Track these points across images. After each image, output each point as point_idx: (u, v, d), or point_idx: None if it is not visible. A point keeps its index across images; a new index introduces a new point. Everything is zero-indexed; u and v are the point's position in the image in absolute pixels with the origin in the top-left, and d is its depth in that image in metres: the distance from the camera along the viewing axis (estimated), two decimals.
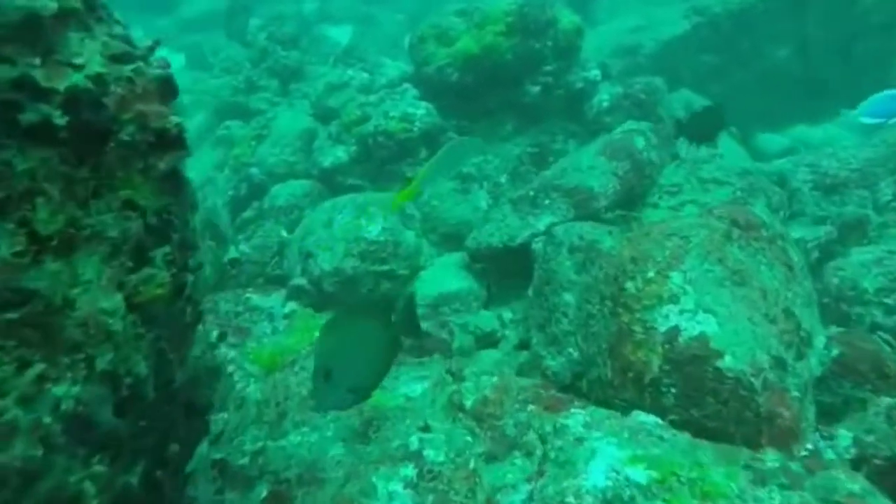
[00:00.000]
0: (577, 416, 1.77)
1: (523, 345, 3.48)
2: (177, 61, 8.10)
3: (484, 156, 4.54)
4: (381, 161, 4.50)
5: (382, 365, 1.69)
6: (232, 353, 3.13)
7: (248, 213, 5.07)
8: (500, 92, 4.56)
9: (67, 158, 1.20)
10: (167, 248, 1.34)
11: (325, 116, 5.16)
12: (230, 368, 2.82)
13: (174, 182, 1.41)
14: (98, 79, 1.26)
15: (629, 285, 2.07)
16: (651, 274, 2.05)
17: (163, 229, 1.35)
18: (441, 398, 2.01)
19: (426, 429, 1.82)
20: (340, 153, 4.66)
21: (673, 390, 1.84)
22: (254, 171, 5.19)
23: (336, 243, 3.61)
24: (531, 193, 3.61)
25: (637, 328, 1.98)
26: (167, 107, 1.38)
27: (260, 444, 1.87)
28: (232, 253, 3.91)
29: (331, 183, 4.74)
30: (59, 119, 1.18)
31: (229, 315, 3.29)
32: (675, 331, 1.91)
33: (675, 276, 2.01)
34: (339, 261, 3.54)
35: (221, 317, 3.28)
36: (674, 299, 1.97)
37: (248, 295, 3.44)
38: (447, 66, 4.44)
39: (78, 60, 1.26)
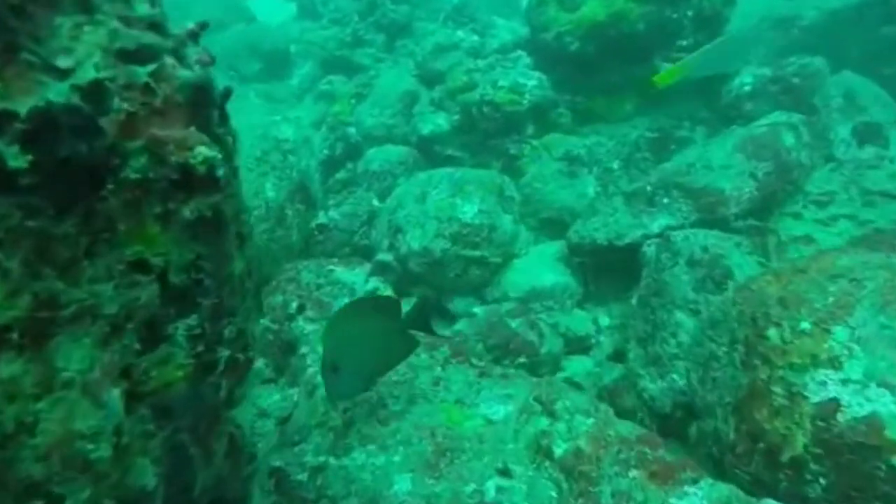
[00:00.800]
0: (691, 499, 1.45)
1: (618, 356, 3.14)
2: (288, 10, 8.06)
3: (597, 136, 4.11)
4: (485, 133, 4.18)
5: (388, 360, 1.72)
6: (309, 328, 3.03)
7: (341, 174, 4.95)
8: (624, 66, 4.06)
9: (39, 210, 0.87)
10: (193, 319, 1.04)
11: (430, 79, 4.88)
12: (303, 350, 2.71)
13: (209, 228, 1.08)
14: (93, 90, 0.89)
15: (773, 333, 1.68)
16: (806, 325, 1.64)
17: (188, 293, 1.05)
18: (526, 433, 1.75)
19: (506, 472, 1.58)
20: (441, 121, 4.38)
21: (822, 481, 1.47)
22: (351, 130, 5.04)
23: (427, 221, 3.38)
24: (648, 189, 3.18)
25: (778, 390, 1.60)
26: (199, 127, 1.03)
27: (322, 458, 1.71)
28: (320, 218, 3.79)
29: (428, 152, 4.49)
30: (16, 160, 0.83)
31: (310, 286, 3.18)
32: (833, 404, 1.51)
33: (840, 332, 1.59)
34: (429, 240, 3.31)
35: (302, 287, 3.17)
36: (835, 363, 1.56)
37: (331, 267, 3.31)
38: (567, 33, 3.99)
39: (64, 61, 0.89)
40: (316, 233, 3.79)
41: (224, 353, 1.14)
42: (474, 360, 2.31)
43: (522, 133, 4.11)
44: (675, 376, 2.56)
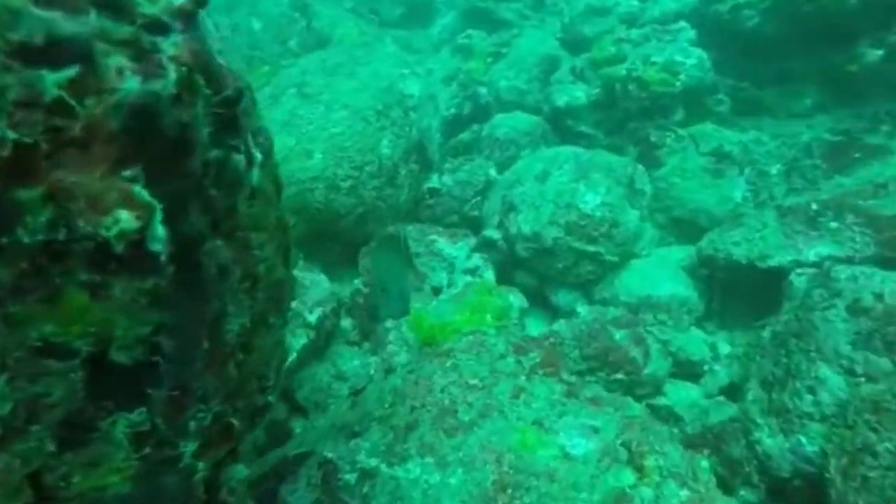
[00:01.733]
0: None
1: (733, 392, 2.73)
2: None
3: (757, 132, 3.53)
4: (625, 113, 3.75)
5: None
6: None
7: (464, 135, 4.74)
8: (814, 51, 3.41)
9: None
10: (139, 414, 0.79)
11: (575, 44, 4.46)
12: (388, 324, 2.60)
13: (177, 291, 0.80)
14: None
15: None
16: None
17: (137, 378, 0.80)
18: (605, 484, 1.50)
19: None
20: (579, 93, 4.00)
21: None
22: (482, 90, 4.79)
23: (544, 203, 3.11)
24: (813, 206, 2.65)
25: None
26: (143, 171, 0.70)
27: (374, 462, 1.59)
28: (433, 182, 3.63)
29: (559, 125, 4.15)
30: None
31: (409, 252, 3.06)
32: None
33: None
34: (542, 226, 3.04)
35: None
36: None
37: (434, 236, 3.16)
38: (748, 4, 3.40)
39: None
40: (427, 196, 3.64)
41: (189, 446, 0.89)
42: (564, 376, 2.06)
43: (669, 118, 3.63)
44: (802, 439, 2.15)
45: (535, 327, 3.00)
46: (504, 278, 3.36)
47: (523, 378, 1.99)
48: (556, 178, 3.17)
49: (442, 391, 1.82)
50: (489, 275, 3.08)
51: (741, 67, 3.67)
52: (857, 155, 3.32)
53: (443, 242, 3.14)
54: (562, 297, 3.19)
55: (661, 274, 3.11)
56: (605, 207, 2.96)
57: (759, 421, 2.35)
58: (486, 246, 3.28)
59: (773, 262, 2.67)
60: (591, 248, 2.96)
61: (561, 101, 4.04)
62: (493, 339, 2.13)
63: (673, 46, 3.63)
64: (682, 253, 3.26)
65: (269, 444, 2.69)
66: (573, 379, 2.07)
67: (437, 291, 2.98)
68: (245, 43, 4.56)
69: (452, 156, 4.79)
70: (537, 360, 2.10)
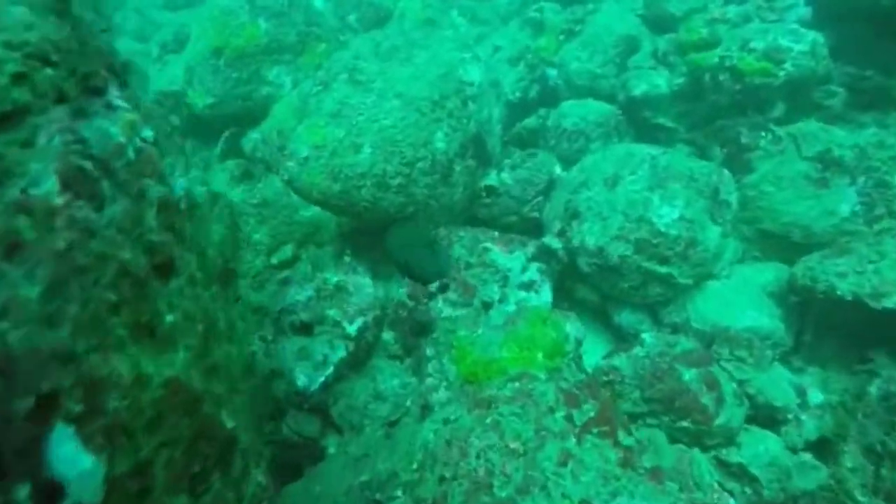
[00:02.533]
0: None
1: (823, 449, 2.36)
2: None
3: (879, 132, 3.00)
4: (713, 107, 3.29)
5: None
6: (447, 312, 2.69)
7: (530, 121, 4.38)
8: None
9: None
10: None
11: (659, 23, 3.96)
12: (435, 334, 2.38)
13: None
14: None
15: None
16: None
17: None
18: None
19: None
20: (661, 81, 3.55)
21: None
22: (551, 72, 4.39)
23: (612, 214, 2.76)
24: None
25: None
26: None
27: None
28: (491, 179, 3.34)
29: (635, 116, 3.72)
30: None
31: (460, 263, 2.81)
32: None
33: None
34: (608, 240, 2.71)
35: (452, 262, 2.81)
36: None
37: (488, 244, 2.89)
38: None
39: None
40: (483, 194, 3.36)
41: None
42: (621, 436, 1.78)
43: (767, 113, 3.15)
44: None
45: (594, 352, 2.71)
46: (563, 291, 3.07)
47: (573, 440, 1.73)
48: (628, 184, 2.80)
49: (478, 457, 1.59)
50: (546, 292, 2.80)
51: (864, 51, 3.11)
52: None
53: (497, 251, 2.87)
54: (625, 318, 2.87)
55: (742, 300, 2.72)
56: (682, 224, 2.58)
57: (861, 499, 1.99)
58: (544, 254, 2.98)
59: (889, 304, 2.24)
60: (663, 270, 2.61)
61: (638, 89, 3.60)
62: (542, 387, 1.87)
63: (779, 28, 3.11)
64: (768, 274, 2.84)
65: (299, 458, 2.58)
66: (631, 441, 1.79)
67: (487, 306, 2.73)
68: (301, 19, 4.33)
69: (516, 143, 4.49)
70: (591, 414, 1.83)
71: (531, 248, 2.98)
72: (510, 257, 2.86)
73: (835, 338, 2.57)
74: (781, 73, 2.99)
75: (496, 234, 3.05)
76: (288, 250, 3.96)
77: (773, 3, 3.30)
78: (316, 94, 3.24)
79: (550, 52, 4.48)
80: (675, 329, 2.74)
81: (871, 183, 2.90)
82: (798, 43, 3.00)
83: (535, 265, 2.89)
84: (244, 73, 4.26)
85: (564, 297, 3.09)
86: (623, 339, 2.91)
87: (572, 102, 3.95)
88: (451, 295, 2.71)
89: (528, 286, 2.79)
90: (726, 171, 2.88)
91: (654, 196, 2.67)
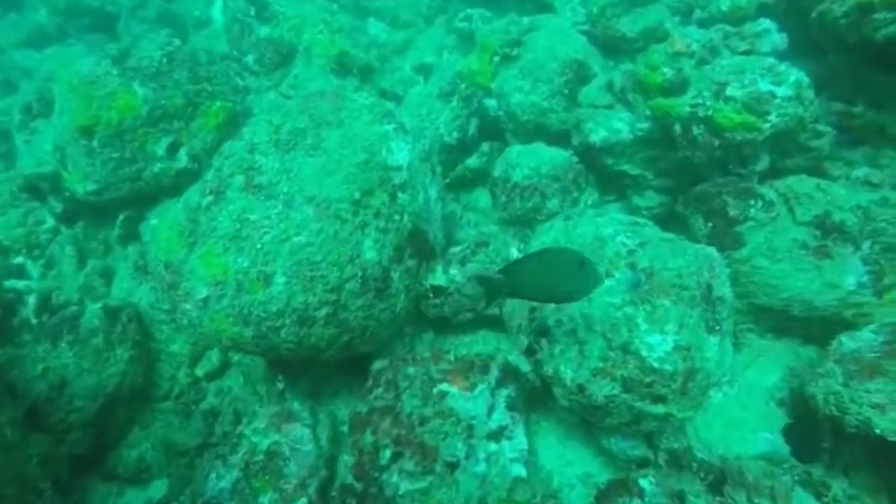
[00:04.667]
0: None
1: None
2: None
3: (874, 189, 2.57)
4: (687, 163, 2.79)
5: None
6: (406, 487, 2.19)
7: (473, 161, 3.84)
8: None
9: None
10: None
11: (609, 44, 3.40)
12: None
13: None
14: None
15: None
16: None
17: None
18: None
19: None
20: (621, 125, 3.02)
21: None
22: (490, 102, 3.80)
23: (590, 337, 2.27)
24: None
25: None
26: None
27: None
28: (438, 278, 2.78)
29: (595, 163, 3.19)
30: None
31: (412, 418, 2.29)
32: None
33: None
34: (589, 376, 2.22)
35: (401, 418, 2.29)
36: None
37: (443, 386, 2.36)
38: (885, 5, 2.33)
39: None
40: (431, 295, 2.81)
41: None
42: None
43: (749, 166, 2.67)
44: None
45: (579, 463, 2.30)
46: (533, 420, 2.61)
47: None
48: (605, 293, 2.30)
49: None
50: (520, 437, 2.33)
51: (853, 83, 2.64)
52: None
53: (455, 393, 2.35)
54: (616, 444, 2.43)
55: (750, 417, 2.31)
56: (677, 355, 2.11)
57: None
58: (512, 376, 2.49)
59: None
60: (660, 410, 2.15)
61: (596, 135, 3.06)
62: None
63: (755, 65, 2.58)
64: (774, 375, 2.44)
65: None
66: None
67: (452, 467, 2.24)
68: (186, 76, 3.56)
69: (460, 186, 3.94)
70: None
71: (495, 372, 2.48)
72: (472, 397, 2.35)
73: (864, 470, 2.18)
74: (766, 126, 2.49)
75: (451, 358, 2.53)
76: (213, 358, 3.37)
77: (742, 29, 2.77)
78: (207, 209, 2.58)
79: (486, 78, 3.87)
80: (675, 457, 2.32)
81: (877, 248, 2.48)
82: (780, 86, 2.49)
83: (503, 401, 2.40)
84: (126, 152, 3.52)
85: (540, 420, 2.63)
86: (613, 459, 2.49)
87: (521, 149, 3.39)
88: (408, 464, 2.20)
89: (499, 434, 2.30)
90: (715, 255, 2.40)
91: (639, 314, 2.18)
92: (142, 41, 3.66)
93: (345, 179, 2.59)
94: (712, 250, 2.43)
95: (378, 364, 2.58)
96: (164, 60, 3.55)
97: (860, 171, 2.70)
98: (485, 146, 3.89)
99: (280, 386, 2.93)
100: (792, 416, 2.34)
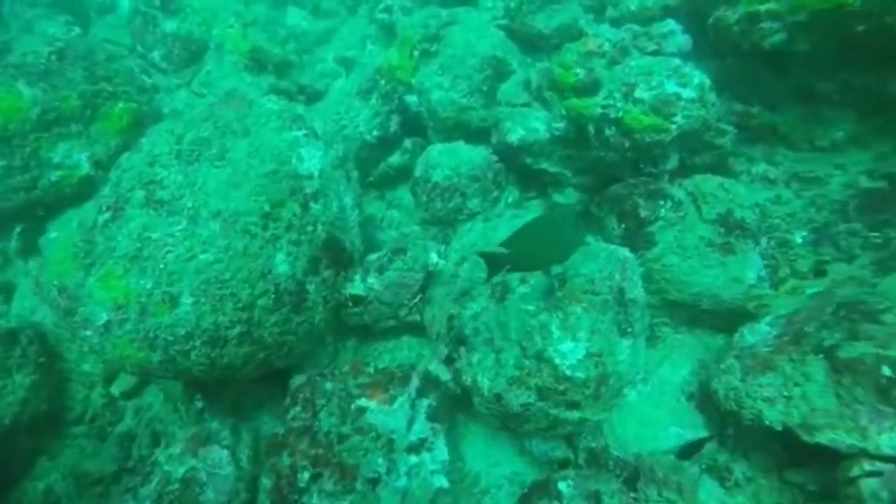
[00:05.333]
0: None
1: None
2: None
3: (771, 187, 2.69)
4: (601, 163, 2.83)
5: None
6: None
7: (395, 158, 3.77)
8: (858, 73, 2.49)
9: None
10: None
11: (527, 41, 3.38)
12: None
13: None
14: None
15: None
16: None
17: None
18: None
19: None
20: (538, 125, 3.02)
21: None
22: (411, 99, 3.73)
23: (506, 345, 2.28)
24: (884, 371, 1.89)
25: None
26: None
27: None
28: (356, 287, 2.73)
29: (514, 162, 3.19)
30: None
31: (330, 437, 2.25)
32: None
33: None
34: (505, 386, 2.24)
35: (318, 438, 2.25)
36: None
37: (361, 402, 2.33)
38: (769, 15, 2.40)
39: None
40: (350, 304, 2.76)
41: None
42: None
43: (660, 166, 2.72)
44: None
45: (506, 464, 2.34)
46: (460, 421, 2.62)
47: None
48: (520, 300, 2.32)
49: None
50: (440, 449, 2.32)
51: (750, 85, 2.73)
52: None
53: (374, 408, 2.33)
54: (537, 446, 2.48)
55: (662, 414, 2.40)
56: (589, 361, 2.15)
57: None
58: (432, 386, 2.49)
59: (823, 439, 1.95)
60: (575, 416, 2.19)
61: (514, 135, 3.06)
62: None
63: (662, 66, 2.62)
64: (684, 369, 2.53)
65: None
66: None
67: (373, 483, 2.22)
68: (81, 75, 3.31)
69: (383, 184, 3.88)
70: None
71: (415, 382, 2.46)
72: (391, 410, 2.33)
73: (766, 454, 2.30)
74: (673, 128, 2.54)
75: (371, 371, 2.49)
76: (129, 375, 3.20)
77: (650, 29, 2.80)
78: (104, 228, 2.42)
79: (407, 73, 3.79)
80: (593, 456, 2.39)
81: (773, 243, 2.60)
82: (685, 88, 2.54)
83: (423, 412, 2.39)
84: (16, 159, 3.27)
85: (462, 426, 2.65)
86: (535, 460, 2.54)
87: (441, 148, 3.35)
88: (327, 484, 2.17)
89: (419, 446, 2.29)
90: (628, 257, 2.45)
91: (553, 322, 2.20)
92: (26, 35, 3.38)
93: (253, 191, 2.48)
94: (625, 252, 2.48)
95: (296, 381, 2.51)
96: (54, 58, 3.29)
97: (759, 168, 2.81)
98: (408, 143, 3.83)
99: (199, 405, 2.82)
100: (702, 410, 2.43)
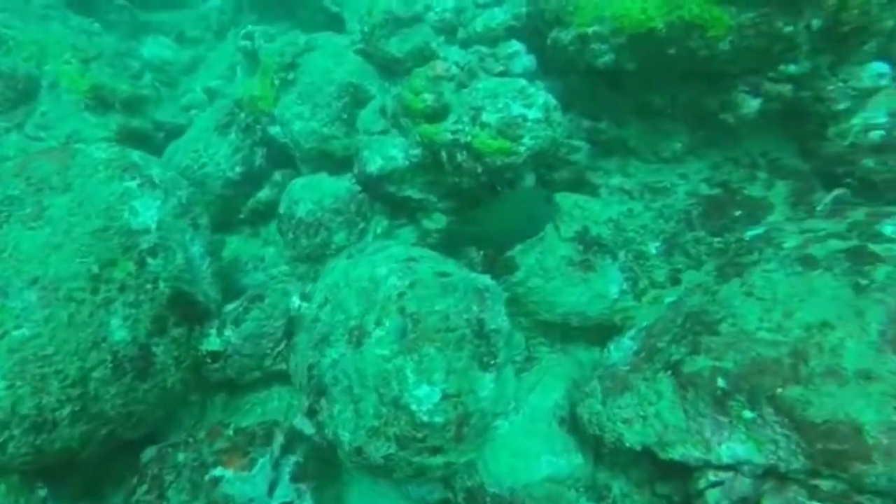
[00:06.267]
0: None
1: None
2: None
3: (626, 201, 2.74)
4: (457, 189, 2.79)
5: None
6: None
7: (264, 193, 3.60)
8: (683, 89, 2.58)
9: None
10: None
11: (383, 65, 3.30)
12: None
13: None
14: None
15: None
16: None
17: None
18: None
19: None
20: (395, 153, 2.94)
21: None
22: (274, 130, 3.57)
23: (364, 393, 2.17)
24: (719, 383, 1.93)
25: None
26: None
27: None
28: (212, 343, 2.54)
29: (377, 192, 3.10)
30: None
31: None
32: None
33: None
34: (365, 438, 2.12)
35: None
36: None
37: (216, 472, 2.15)
38: (597, 37, 2.44)
39: None
40: (209, 361, 2.56)
41: None
42: None
43: (517, 187, 2.71)
44: None
45: None
46: (329, 472, 2.49)
47: None
48: (375, 345, 2.21)
49: None
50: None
51: (596, 102, 2.77)
52: (737, 213, 2.66)
53: (231, 476, 2.16)
54: (414, 492, 2.39)
55: (534, 442, 2.36)
56: (447, 404, 2.07)
57: None
58: (297, 440, 2.34)
59: (676, 455, 1.97)
60: (439, 461, 2.11)
61: (373, 164, 2.96)
62: None
63: (508, 88, 2.61)
64: (556, 392, 2.51)
65: None
66: None
67: None
68: None
69: (256, 220, 3.70)
70: None
71: (280, 440, 2.31)
72: (250, 476, 2.17)
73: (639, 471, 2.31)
74: (522, 150, 2.53)
75: (230, 433, 2.32)
76: None
77: (496, 50, 2.79)
78: None
79: (269, 103, 3.63)
80: (471, 495, 2.32)
81: (631, 256, 2.64)
82: (531, 109, 2.54)
83: (287, 472, 2.24)
84: None
85: (331, 477, 2.52)
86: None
87: (304, 182, 3.22)
88: None
89: None
90: (488, 285, 2.41)
91: (408, 365, 2.12)
92: None
93: (77, 252, 2.25)
94: (485, 280, 2.44)
95: (146, 454, 2.30)
96: None
97: (616, 180, 2.87)
98: (277, 175, 3.67)
99: (41, 493, 2.53)
100: (573, 434, 2.42)
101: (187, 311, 2.50)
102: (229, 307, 2.64)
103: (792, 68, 2.28)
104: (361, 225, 3.07)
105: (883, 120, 2.43)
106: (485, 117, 2.55)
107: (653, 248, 2.66)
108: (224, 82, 4.43)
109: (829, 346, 1.83)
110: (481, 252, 2.60)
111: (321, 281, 2.80)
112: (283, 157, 3.65)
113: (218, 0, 5.36)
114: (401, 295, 2.30)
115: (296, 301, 2.72)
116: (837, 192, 2.56)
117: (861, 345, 1.79)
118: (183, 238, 2.55)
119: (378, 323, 2.28)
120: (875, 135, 2.44)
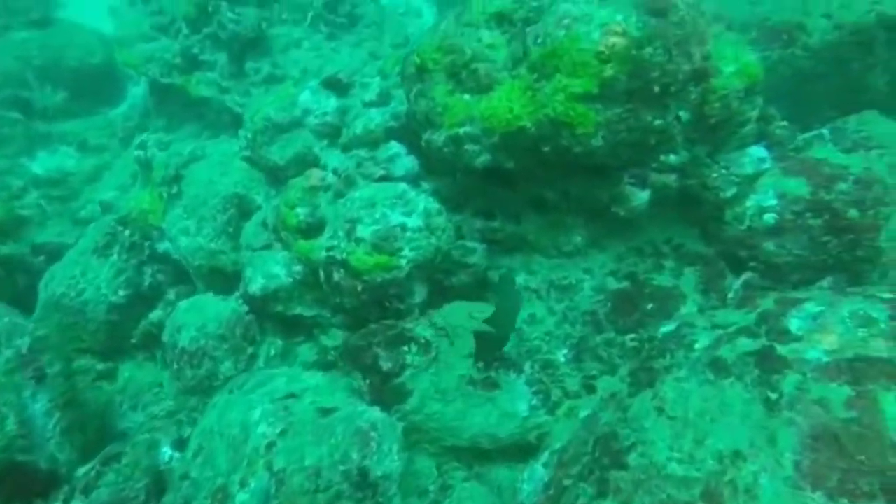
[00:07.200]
0: None
1: None
2: None
3: (528, 308, 2.51)
4: (340, 309, 2.53)
5: None
6: None
7: (156, 313, 3.28)
8: (571, 183, 2.41)
9: None
10: None
11: (269, 172, 3.10)
12: None
13: None
14: None
15: None
16: None
17: None
18: None
19: None
20: (278, 270, 2.69)
21: None
22: (165, 246, 3.30)
23: None
24: None
25: None
26: None
27: None
28: None
29: (264, 312, 2.82)
30: None
31: None
32: None
33: None
34: None
35: None
36: None
37: None
38: (469, 138, 2.27)
39: None
40: None
41: None
42: None
43: (407, 301, 2.46)
44: None
45: None
46: None
47: None
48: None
49: None
50: None
51: (485, 198, 2.59)
52: (649, 306, 2.46)
53: None
54: None
55: None
56: None
57: None
58: None
59: None
60: None
61: (255, 284, 2.70)
62: None
63: (385, 195, 2.41)
64: None
65: None
66: None
67: None
68: None
69: (149, 344, 3.36)
70: None
71: None
72: None
73: None
74: (404, 263, 2.31)
75: None
76: None
77: (376, 153, 2.61)
78: None
79: (158, 217, 3.38)
80: None
81: (538, 367, 2.39)
82: (410, 216, 2.34)
83: None
84: None
85: None
86: None
87: (187, 304, 2.94)
88: None
89: None
90: (373, 424, 2.11)
91: None
92: None
93: None
94: (371, 416, 2.14)
95: None
96: None
97: (520, 279, 2.65)
98: (171, 294, 3.37)
99: None
100: None
101: (23, 482, 2.13)
102: (80, 471, 2.28)
103: (672, 158, 2.14)
104: (250, 350, 2.77)
105: (774, 202, 2.30)
106: (360, 231, 2.33)
107: (561, 355, 2.42)
108: (120, 193, 4.18)
109: (743, 485, 1.58)
110: (367, 381, 2.31)
111: (199, 423, 2.47)
112: (180, 273, 3.37)
113: (124, 106, 5.20)
114: (269, 446, 2.00)
115: (166, 452, 2.38)
116: (746, 276, 2.39)
117: (776, 482, 1.54)
118: (18, 398, 2.21)
119: (243, 484, 1.95)
120: (769, 217, 2.30)
